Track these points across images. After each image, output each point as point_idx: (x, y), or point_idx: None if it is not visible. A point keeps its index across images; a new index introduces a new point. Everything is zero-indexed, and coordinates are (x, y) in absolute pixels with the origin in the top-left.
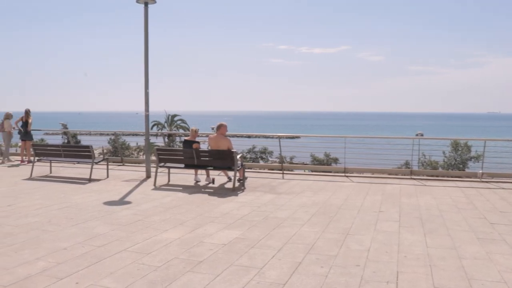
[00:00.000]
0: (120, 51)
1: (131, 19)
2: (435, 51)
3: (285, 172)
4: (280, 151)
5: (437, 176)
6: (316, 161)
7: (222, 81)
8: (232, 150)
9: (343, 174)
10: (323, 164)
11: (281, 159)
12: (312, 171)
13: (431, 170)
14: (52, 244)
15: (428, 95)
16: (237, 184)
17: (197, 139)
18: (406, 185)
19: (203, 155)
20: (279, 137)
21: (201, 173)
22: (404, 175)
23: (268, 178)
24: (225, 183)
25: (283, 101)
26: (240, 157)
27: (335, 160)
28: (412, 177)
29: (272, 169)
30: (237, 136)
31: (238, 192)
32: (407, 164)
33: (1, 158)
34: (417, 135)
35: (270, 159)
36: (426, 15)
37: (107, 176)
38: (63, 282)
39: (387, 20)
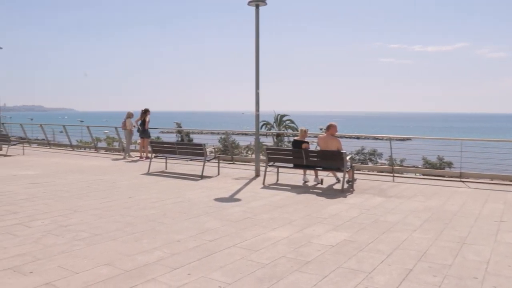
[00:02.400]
0: (232, 52)
1: (242, 21)
2: None
3: (395, 175)
4: (391, 153)
5: None
6: (428, 164)
7: (330, 81)
8: (342, 151)
9: (459, 179)
10: (436, 168)
11: (391, 162)
12: (424, 175)
13: None
14: (167, 235)
15: None
16: (346, 185)
17: (306, 139)
18: None
19: (312, 155)
20: (390, 139)
21: (310, 173)
22: None
23: (377, 180)
24: (334, 184)
25: (392, 102)
26: (349, 158)
27: (449, 164)
28: None
29: (382, 172)
30: (346, 137)
31: (347, 194)
32: None
33: (123, 154)
34: None
35: (379, 161)
36: None
37: (218, 174)
38: (177, 272)
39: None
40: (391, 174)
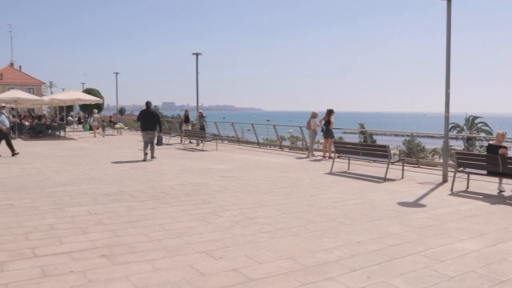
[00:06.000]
0: (416, 51)
1: (430, 18)
2: None
3: None
4: None
5: None
6: None
7: None
8: None
9: None
10: None
11: None
12: None
13: None
14: (347, 236)
15: None
16: None
17: (503, 144)
18: None
19: (510, 162)
20: None
21: (507, 183)
22: None
23: None
24: None
25: None
26: None
27: None
28: None
29: None
30: None
31: None
32: None
33: (307, 153)
34: None
35: None
36: None
37: (402, 177)
38: (356, 273)
39: None
40: None
